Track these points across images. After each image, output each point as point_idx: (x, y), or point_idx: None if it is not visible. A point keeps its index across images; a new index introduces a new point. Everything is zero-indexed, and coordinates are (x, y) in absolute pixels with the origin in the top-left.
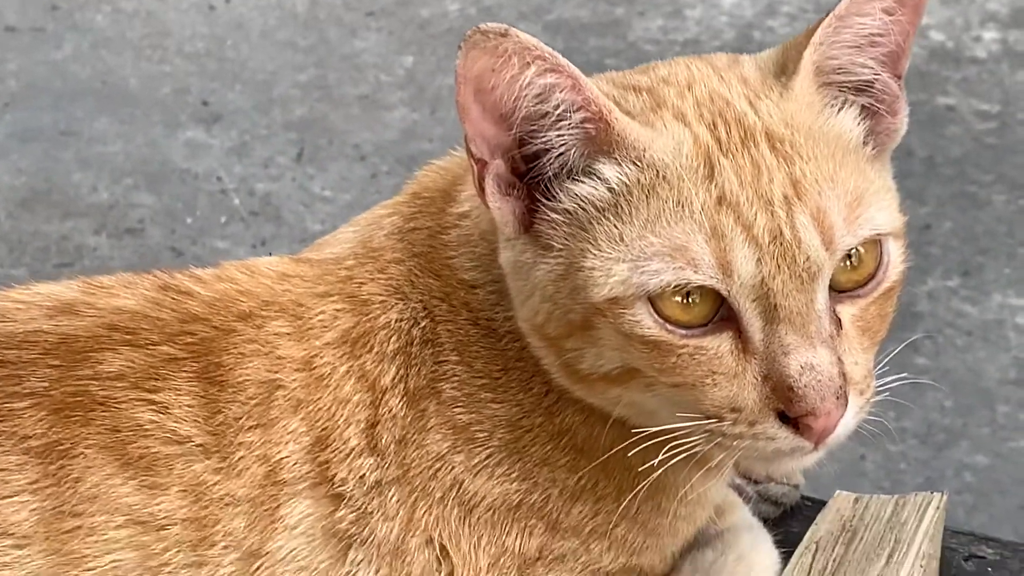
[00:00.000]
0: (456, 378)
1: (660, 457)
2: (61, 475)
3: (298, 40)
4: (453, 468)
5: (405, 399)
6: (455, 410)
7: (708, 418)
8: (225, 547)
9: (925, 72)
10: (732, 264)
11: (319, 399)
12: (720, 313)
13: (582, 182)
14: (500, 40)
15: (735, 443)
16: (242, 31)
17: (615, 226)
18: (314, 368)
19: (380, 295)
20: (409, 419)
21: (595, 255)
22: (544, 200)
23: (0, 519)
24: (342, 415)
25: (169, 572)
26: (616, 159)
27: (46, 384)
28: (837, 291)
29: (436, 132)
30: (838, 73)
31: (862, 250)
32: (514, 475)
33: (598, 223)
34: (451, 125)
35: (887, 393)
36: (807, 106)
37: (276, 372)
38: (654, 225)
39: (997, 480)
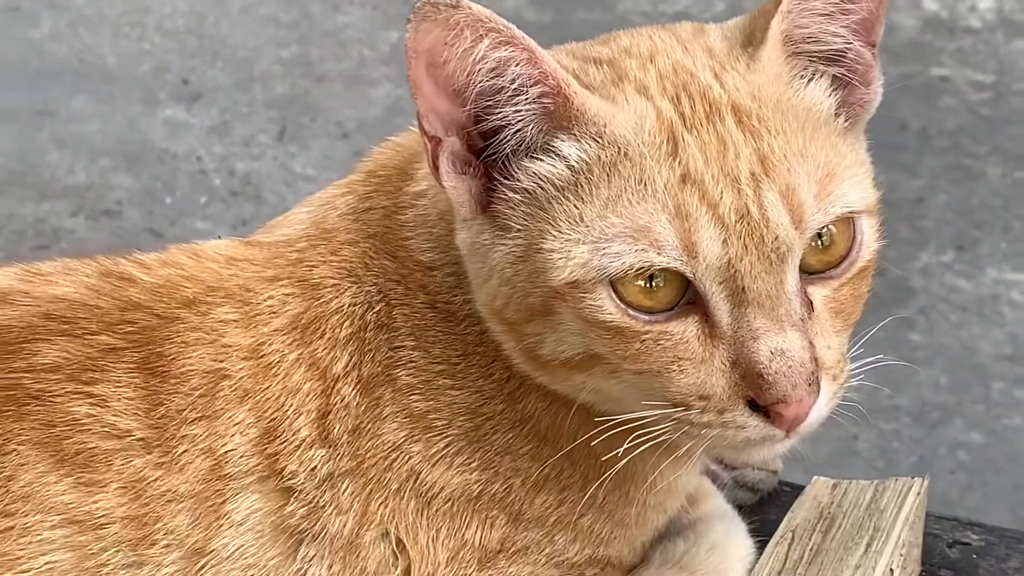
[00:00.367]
0: (412, 364)
1: (625, 446)
2: None
3: (280, 15)
4: (410, 458)
5: (359, 387)
6: (412, 398)
7: (675, 406)
8: (167, 546)
9: (919, 42)
10: (697, 245)
11: (267, 389)
12: (686, 297)
13: (541, 160)
14: (451, 12)
15: (703, 432)
16: (223, 6)
17: (575, 206)
18: (262, 356)
19: (332, 278)
20: (363, 408)
21: (554, 236)
22: (502, 179)
23: None
24: (292, 405)
25: (107, 573)
26: (576, 135)
27: None
28: (808, 272)
29: None
30: (808, 42)
31: (834, 228)
32: (474, 465)
33: (558, 203)
34: None
35: (862, 376)
36: (775, 77)
37: (221, 361)
38: (615, 205)
39: (992, 459)
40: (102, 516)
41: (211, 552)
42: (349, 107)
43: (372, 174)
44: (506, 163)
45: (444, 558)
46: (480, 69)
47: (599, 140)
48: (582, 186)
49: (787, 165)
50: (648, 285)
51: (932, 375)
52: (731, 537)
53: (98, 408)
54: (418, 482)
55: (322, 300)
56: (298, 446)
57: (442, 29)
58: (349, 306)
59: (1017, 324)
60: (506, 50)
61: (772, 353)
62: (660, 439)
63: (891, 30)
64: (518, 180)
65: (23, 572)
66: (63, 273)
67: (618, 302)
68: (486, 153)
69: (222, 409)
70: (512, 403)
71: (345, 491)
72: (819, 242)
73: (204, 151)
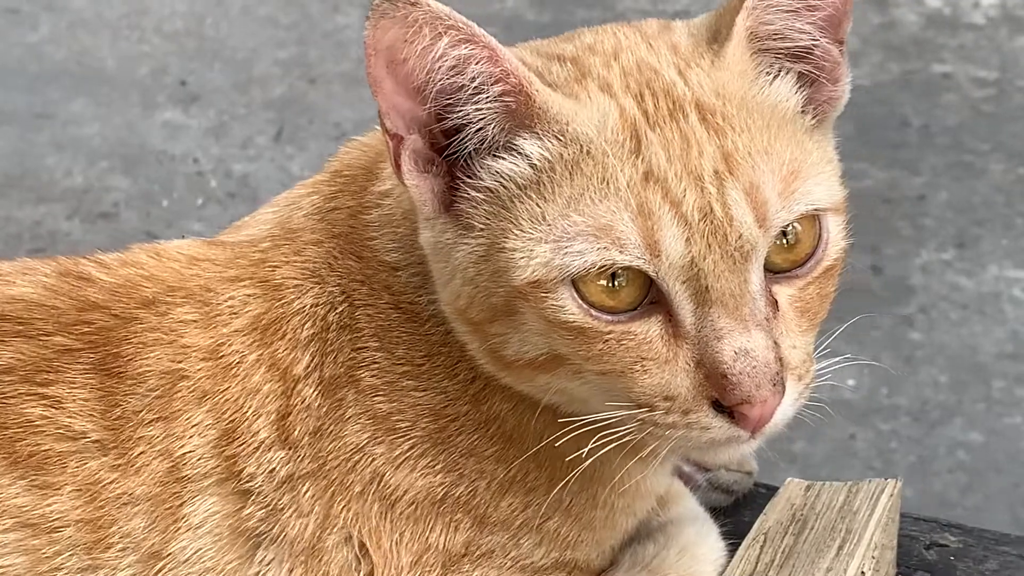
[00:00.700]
0: (376, 365)
1: (590, 446)
2: None
3: (279, 16)
4: (373, 460)
5: (320, 388)
6: (375, 399)
7: (639, 407)
8: (122, 549)
9: (921, 39)
10: (660, 244)
11: (226, 390)
12: (649, 296)
13: (503, 158)
14: (410, 9)
15: (668, 432)
16: (222, 8)
17: (537, 205)
18: (221, 357)
19: (295, 279)
20: (325, 409)
21: (517, 235)
22: (464, 178)
23: None
24: (251, 406)
25: None
26: (538, 133)
27: None
28: (773, 271)
29: None
30: (774, 39)
31: (799, 227)
32: (438, 467)
33: (520, 201)
34: None
35: (828, 377)
36: (740, 74)
37: (180, 362)
38: (578, 203)
39: (992, 458)
40: (56, 519)
41: (168, 556)
42: (347, 108)
43: (338, 174)
44: (469, 161)
45: (408, 562)
46: (440, 67)
47: (561, 138)
48: (544, 184)
49: (751, 163)
50: (611, 284)
51: (932, 373)
52: (702, 540)
53: (52, 410)
54: (381, 485)
55: (284, 301)
56: (257, 448)
57: (401, 26)
58: (311, 307)
59: (1018, 322)
60: (466, 48)
61: (736, 353)
62: (625, 439)
63: (893, 26)
64: (481, 179)
65: None
66: (21, 273)
67: (580, 302)
68: (448, 151)
69: (180, 410)
70: (477, 404)
71: (306, 494)
72: (784, 240)
73: (201, 153)
